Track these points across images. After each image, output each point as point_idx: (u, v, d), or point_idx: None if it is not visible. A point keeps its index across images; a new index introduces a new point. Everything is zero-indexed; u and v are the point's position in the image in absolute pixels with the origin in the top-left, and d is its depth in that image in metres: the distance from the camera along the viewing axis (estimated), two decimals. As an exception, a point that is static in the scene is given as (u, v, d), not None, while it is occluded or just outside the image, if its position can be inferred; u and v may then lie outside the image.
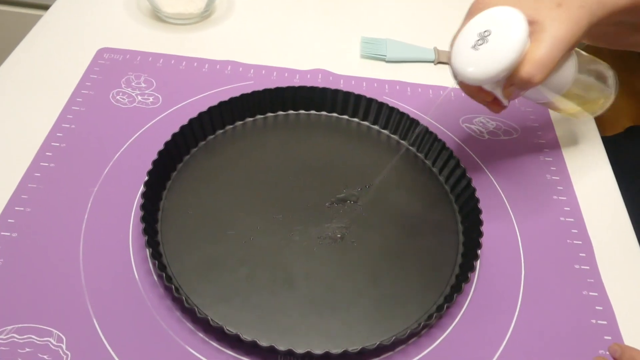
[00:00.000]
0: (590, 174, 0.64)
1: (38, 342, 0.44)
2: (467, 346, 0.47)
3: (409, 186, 0.59)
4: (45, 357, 0.43)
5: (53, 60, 0.69)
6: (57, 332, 0.45)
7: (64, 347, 0.44)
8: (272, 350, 0.43)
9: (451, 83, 0.72)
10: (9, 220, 0.51)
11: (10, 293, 0.47)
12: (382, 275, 0.51)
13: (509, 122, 0.68)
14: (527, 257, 0.55)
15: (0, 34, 1.19)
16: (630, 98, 0.77)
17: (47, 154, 0.57)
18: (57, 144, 0.58)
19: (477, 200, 0.54)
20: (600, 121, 0.70)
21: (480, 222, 0.52)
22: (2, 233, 0.50)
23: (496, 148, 0.65)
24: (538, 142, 0.66)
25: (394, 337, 0.44)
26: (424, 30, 0.79)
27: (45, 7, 0.76)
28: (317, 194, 0.57)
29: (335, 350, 0.43)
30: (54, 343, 0.44)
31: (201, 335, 0.46)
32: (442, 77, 0.72)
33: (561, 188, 0.61)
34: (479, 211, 0.53)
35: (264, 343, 0.43)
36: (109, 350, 0.44)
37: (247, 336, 0.44)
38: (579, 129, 0.69)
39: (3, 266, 0.48)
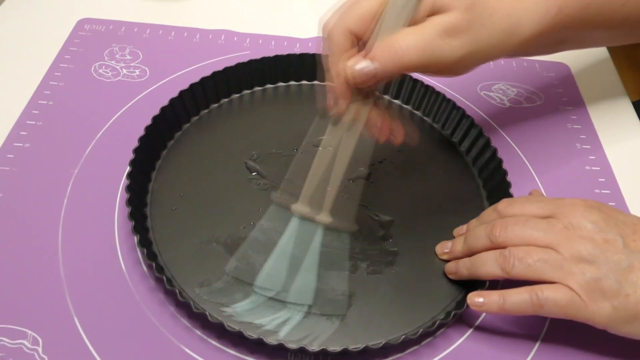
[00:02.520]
0: (623, 141, 0.58)
1: (10, 345, 0.38)
2: (503, 336, 0.42)
3: (426, 160, 0.53)
4: (18, 362, 0.38)
5: (28, 33, 0.62)
6: (32, 334, 0.39)
7: (40, 350, 0.38)
8: (281, 348, 0.38)
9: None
10: (-22, 208, 0.45)
11: (-21, 290, 0.41)
12: (402, 259, 0.45)
13: (531, 89, 0.62)
14: (562, 234, 0.49)
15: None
16: (635, 71, 0.72)
17: (22, 133, 0.51)
18: (33, 122, 0.52)
19: (505, 173, 0.48)
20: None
21: (508, 184, 0.47)
22: (-30, 222, 0.45)
23: (519, 117, 0.59)
24: (564, 108, 0.60)
25: (420, 330, 0.39)
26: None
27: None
28: (324, 171, 0.51)
29: (354, 346, 0.38)
30: (29, 346, 0.38)
31: (198, 332, 0.40)
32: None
33: (593, 158, 0.55)
34: (508, 184, 0.47)
35: (271, 340, 0.38)
36: (93, 353, 0.38)
37: (251, 333, 0.38)
38: (606, 94, 0.63)
39: (-29, 260, 0.42)
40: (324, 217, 0.43)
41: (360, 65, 0.37)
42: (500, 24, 0.40)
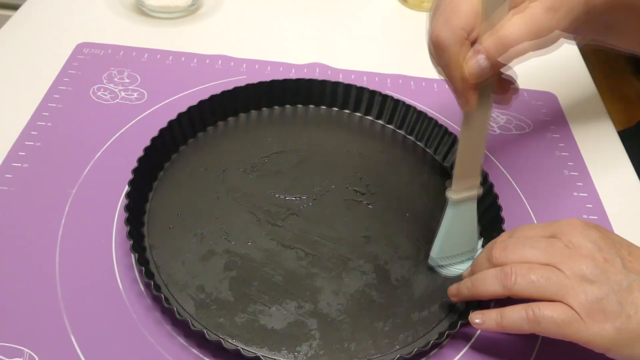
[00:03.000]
0: (610, 168, 0.59)
1: (6, 363, 0.38)
2: (503, 343, 0.43)
3: (418, 185, 0.54)
4: (14, 380, 0.38)
5: (28, 56, 0.63)
6: (29, 352, 0.39)
7: (36, 368, 0.38)
8: (277, 366, 0.38)
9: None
10: (-24, 226, 0.46)
11: (-25, 308, 0.41)
12: (395, 278, 0.46)
13: (520, 116, 0.64)
14: (552, 257, 0.50)
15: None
16: (619, 103, 0.74)
17: (20, 153, 0.52)
18: (32, 143, 0.53)
19: (496, 197, 0.49)
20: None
21: (501, 220, 0.47)
22: (-32, 240, 0.45)
23: (509, 143, 0.60)
24: (552, 136, 0.62)
25: (415, 350, 0.39)
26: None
27: (15, 7, 0.71)
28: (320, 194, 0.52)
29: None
30: (25, 364, 0.38)
31: (195, 351, 0.40)
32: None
33: (581, 184, 0.57)
34: (499, 208, 0.48)
35: (268, 357, 0.38)
36: (89, 370, 0.39)
37: (249, 350, 0.38)
38: (593, 123, 0.65)
39: (-32, 277, 0.42)
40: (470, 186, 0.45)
41: (476, 63, 0.39)
42: None
